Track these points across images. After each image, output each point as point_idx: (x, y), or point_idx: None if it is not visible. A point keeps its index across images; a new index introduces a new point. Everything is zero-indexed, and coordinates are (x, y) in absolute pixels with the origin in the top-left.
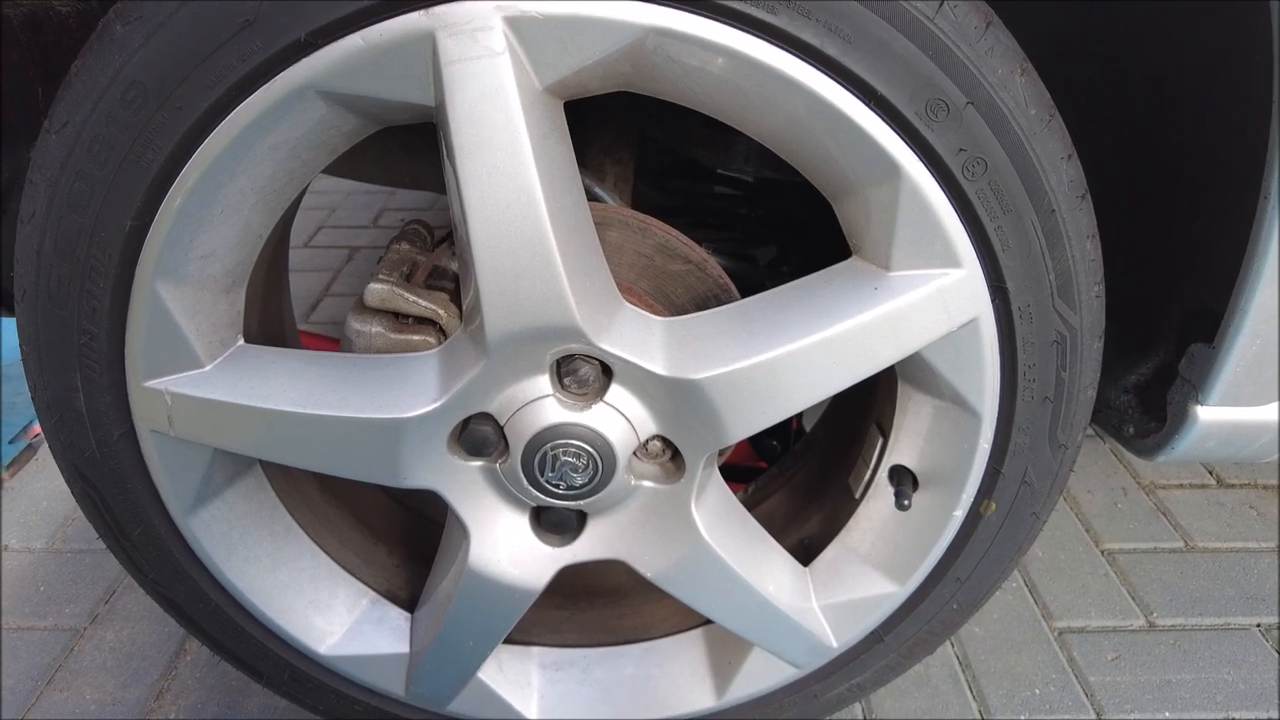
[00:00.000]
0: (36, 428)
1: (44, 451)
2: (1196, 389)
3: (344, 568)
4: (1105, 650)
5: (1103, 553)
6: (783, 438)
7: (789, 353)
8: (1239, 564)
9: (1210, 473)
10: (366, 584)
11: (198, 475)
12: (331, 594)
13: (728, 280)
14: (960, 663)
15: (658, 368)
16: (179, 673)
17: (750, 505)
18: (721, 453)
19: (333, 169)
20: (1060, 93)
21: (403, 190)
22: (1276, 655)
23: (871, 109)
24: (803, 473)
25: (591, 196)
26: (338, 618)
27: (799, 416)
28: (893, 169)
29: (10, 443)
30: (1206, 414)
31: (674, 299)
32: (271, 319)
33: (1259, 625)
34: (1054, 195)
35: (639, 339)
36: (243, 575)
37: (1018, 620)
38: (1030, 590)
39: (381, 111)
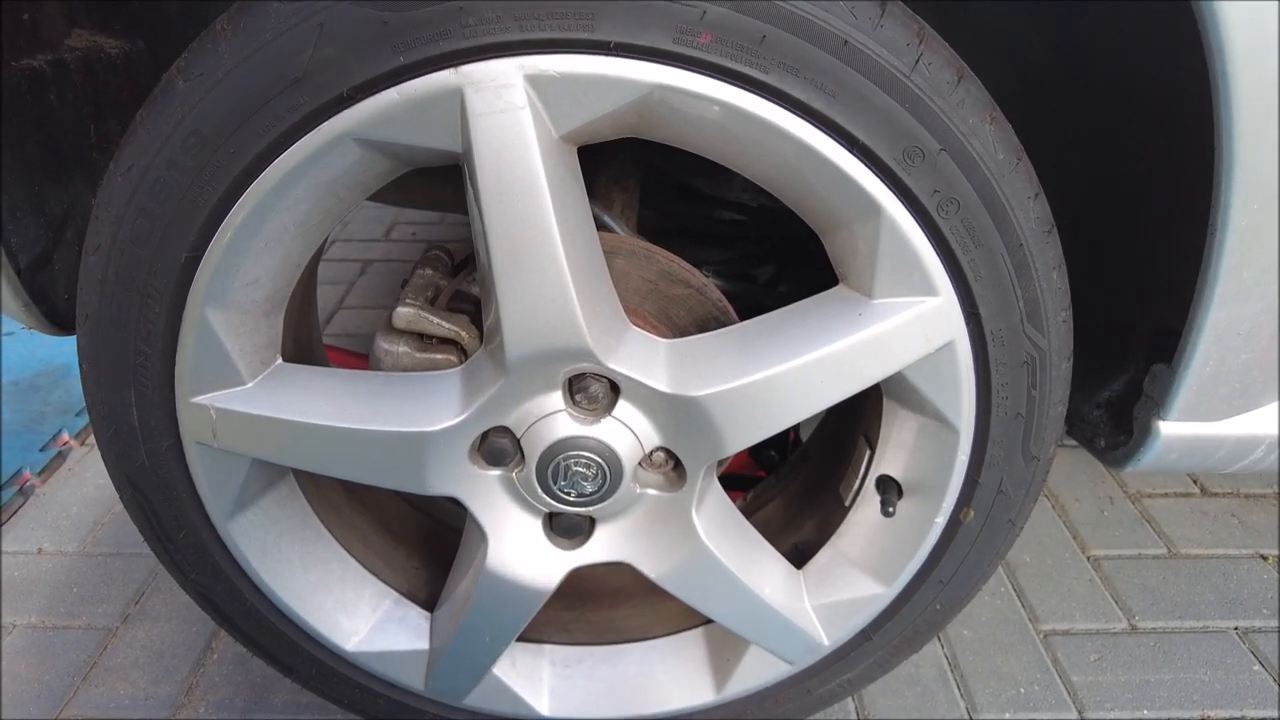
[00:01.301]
0: (65, 436)
1: (73, 458)
2: (1159, 405)
3: (368, 570)
4: (1088, 651)
5: (1089, 559)
6: (781, 449)
7: (781, 372)
8: (1220, 569)
9: (1194, 482)
10: (389, 585)
11: (237, 484)
12: (358, 594)
13: (726, 303)
14: (949, 663)
15: (662, 385)
16: (207, 670)
17: (749, 512)
18: (721, 463)
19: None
20: (1027, 126)
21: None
22: (1253, 656)
23: (854, 155)
24: (797, 482)
25: (600, 224)
26: (363, 617)
27: (796, 429)
28: (874, 208)
29: (41, 450)
30: (1168, 429)
31: (676, 321)
32: (304, 338)
33: (1236, 628)
34: (1022, 230)
35: (644, 359)
36: (276, 576)
37: (1005, 623)
38: (1018, 594)
39: (412, 156)
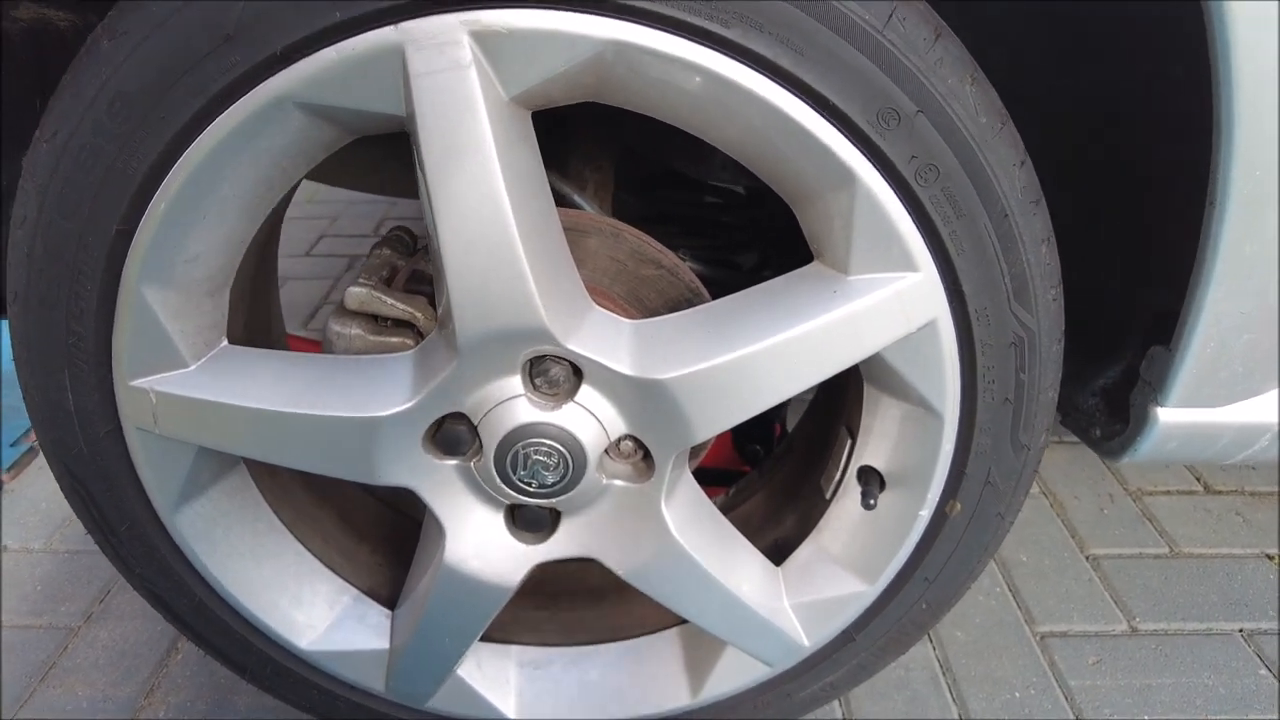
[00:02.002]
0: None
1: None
2: (1156, 391)
3: (327, 565)
4: (1087, 654)
5: (1087, 558)
6: (765, 441)
7: (751, 353)
8: (1223, 569)
9: (1198, 479)
10: (349, 581)
11: (182, 472)
12: (314, 591)
13: (699, 284)
14: (941, 665)
15: (625, 368)
16: (170, 671)
17: (730, 508)
18: (695, 453)
19: (334, 179)
20: (1021, 101)
21: (404, 200)
22: (1259, 659)
23: (825, 118)
24: (780, 475)
25: (568, 202)
26: (319, 614)
27: (782, 420)
28: (848, 176)
29: (11, 445)
30: (1166, 416)
31: (647, 303)
32: (259, 322)
33: (1241, 630)
34: (1007, 200)
35: (608, 340)
36: (226, 570)
37: (1000, 624)
38: (1013, 594)
39: (357, 122)
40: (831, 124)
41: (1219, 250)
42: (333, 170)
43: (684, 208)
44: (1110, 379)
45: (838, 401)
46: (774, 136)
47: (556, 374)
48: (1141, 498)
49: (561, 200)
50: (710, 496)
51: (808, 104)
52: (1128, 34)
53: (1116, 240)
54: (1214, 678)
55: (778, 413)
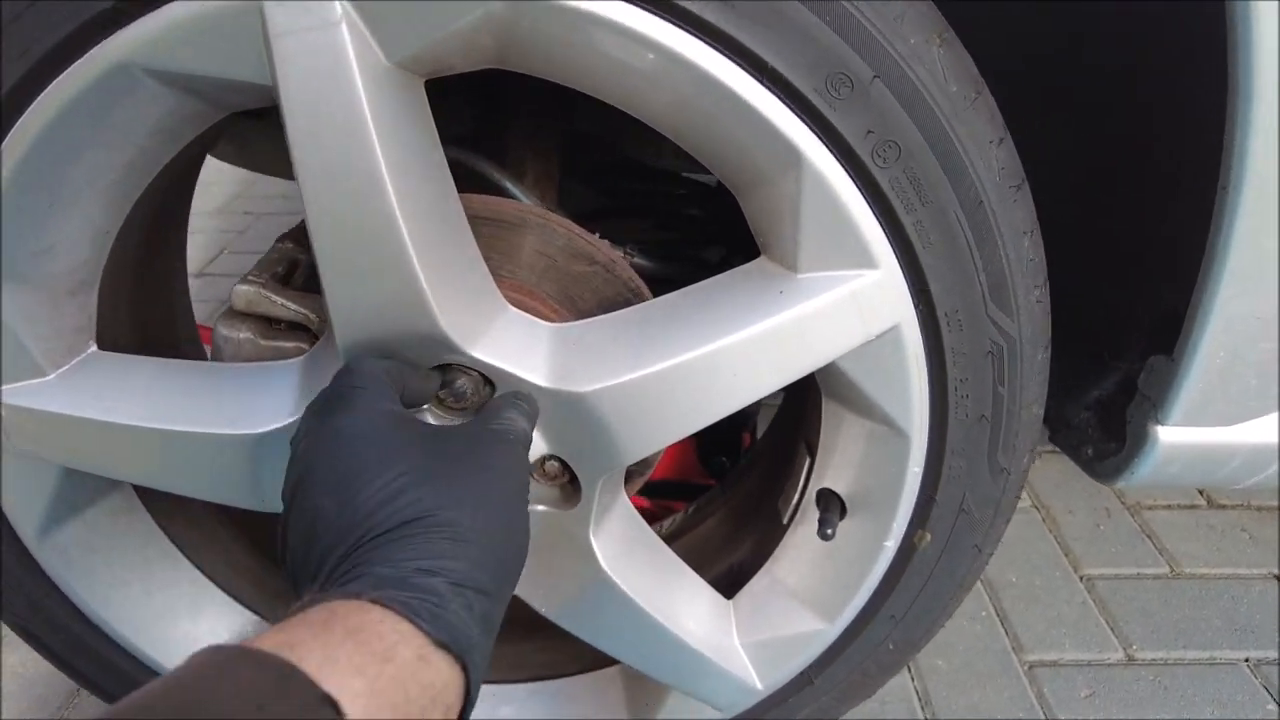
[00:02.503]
0: None
1: None
2: (1156, 407)
3: (232, 596)
4: (1079, 686)
5: (1081, 579)
6: (732, 453)
7: (685, 363)
8: (1228, 592)
9: (1201, 493)
10: (259, 613)
11: (46, 494)
12: (214, 625)
13: (640, 283)
14: (920, 698)
15: (541, 379)
16: (83, 700)
17: (688, 527)
18: (637, 473)
19: (240, 161)
20: (1022, 89)
21: None
22: (1266, 692)
23: (764, 86)
24: (740, 493)
25: (498, 190)
26: None
27: (753, 430)
28: (793, 155)
29: None
30: (1168, 435)
31: (580, 303)
32: (156, 325)
33: (1248, 660)
34: (981, 183)
35: (521, 346)
36: (109, 604)
37: (985, 652)
38: (1000, 619)
39: (219, 93)
40: (772, 92)
41: (1231, 242)
42: (236, 151)
43: (645, 199)
44: (1105, 392)
45: (799, 413)
46: (706, 108)
47: (464, 386)
48: (1140, 513)
49: (493, 189)
50: (671, 513)
51: (742, 68)
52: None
53: (1112, 234)
54: (1218, 712)
55: (746, 422)
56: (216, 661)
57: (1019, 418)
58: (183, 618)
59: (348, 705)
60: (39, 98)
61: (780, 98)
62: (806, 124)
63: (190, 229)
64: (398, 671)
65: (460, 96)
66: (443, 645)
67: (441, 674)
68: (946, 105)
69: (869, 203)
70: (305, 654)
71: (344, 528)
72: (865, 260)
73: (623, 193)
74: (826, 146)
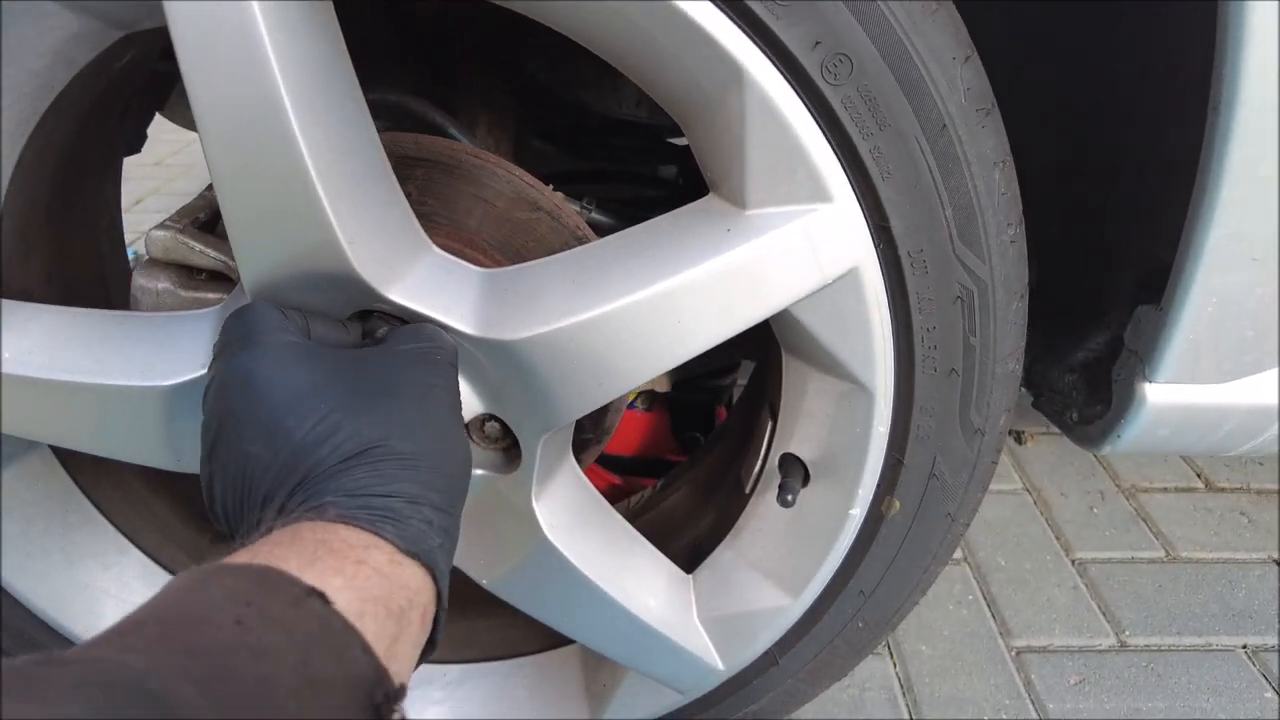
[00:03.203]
0: None
1: None
2: (1144, 362)
3: (164, 565)
4: (1068, 673)
5: (1073, 562)
6: (706, 430)
7: (622, 308)
8: (1225, 576)
9: (1198, 475)
10: None
11: None
12: (143, 596)
13: (588, 231)
14: (901, 684)
15: (467, 326)
16: None
17: (656, 503)
18: (590, 445)
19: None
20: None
21: None
22: (1264, 680)
23: None
24: (706, 465)
25: (441, 133)
26: None
27: (728, 407)
28: (733, 72)
29: None
30: (1157, 394)
31: (524, 253)
32: (79, 278)
33: (1245, 646)
34: (945, 106)
35: (446, 291)
36: (26, 574)
37: (971, 637)
38: (988, 603)
39: (109, 9)
40: None
41: (1224, 173)
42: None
43: (615, 156)
44: (1091, 351)
45: (764, 377)
46: (635, 17)
47: (385, 334)
48: (1135, 495)
49: (433, 132)
50: (641, 489)
51: None
52: None
53: (1103, 175)
54: (1213, 700)
55: (720, 396)
56: (191, 580)
57: (993, 372)
58: (110, 588)
59: (334, 598)
60: None
61: (717, 4)
62: (747, 34)
63: (170, 210)
64: (373, 570)
65: (407, 48)
66: (411, 554)
67: (416, 578)
68: (903, 14)
69: (820, 126)
70: (280, 562)
71: (282, 471)
72: (818, 193)
73: (593, 153)
74: (770, 60)
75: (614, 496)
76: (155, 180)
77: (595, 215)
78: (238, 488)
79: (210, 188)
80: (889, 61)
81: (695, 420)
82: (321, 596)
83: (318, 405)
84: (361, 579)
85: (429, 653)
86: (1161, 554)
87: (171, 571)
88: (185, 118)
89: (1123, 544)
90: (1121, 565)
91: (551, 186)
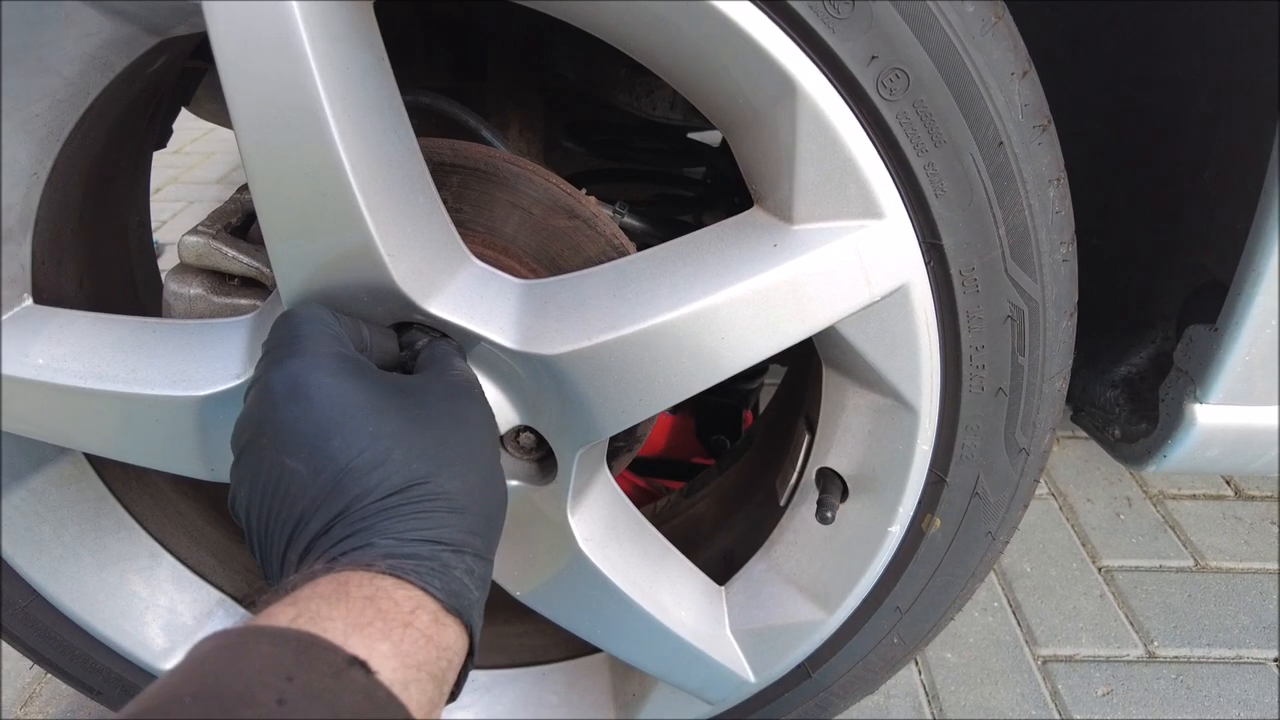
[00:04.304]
0: None
1: None
2: (1195, 383)
3: (193, 569)
4: (1095, 683)
5: (1100, 570)
6: (732, 433)
7: (665, 324)
8: (1256, 587)
9: (1227, 482)
10: (221, 588)
11: None
12: (174, 599)
13: (625, 240)
14: (927, 692)
15: (508, 340)
16: (51, 677)
17: (682, 509)
18: (621, 452)
19: (225, 120)
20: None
21: None
22: None
23: (753, 2)
24: (735, 472)
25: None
26: (180, 627)
27: (755, 407)
28: (786, 86)
29: None
30: (1207, 415)
31: (560, 261)
32: (109, 281)
33: (1276, 659)
34: (1002, 123)
35: (486, 304)
36: (58, 578)
37: (996, 645)
38: (1014, 610)
39: (146, 14)
40: (761, 10)
41: None
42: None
43: (644, 160)
44: (1134, 366)
45: (799, 387)
46: (683, 28)
47: (423, 346)
48: (1163, 502)
49: (470, 137)
50: (668, 493)
51: None
52: None
53: (1151, 188)
54: (1243, 714)
55: (747, 399)
56: (228, 644)
57: (1040, 392)
58: (141, 592)
59: (378, 666)
60: None
61: (771, 17)
62: (801, 48)
63: (190, 199)
64: (420, 634)
65: (437, 47)
66: (453, 610)
67: (456, 638)
68: (962, 27)
69: (874, 142)
70: (326, 624)
71: (321, 494)
72: (869, 209)
73: (613, 151)
74: (824, 75)
75: (638, 498)
76: (175, 169)
77: (628, 219)
78: (268, 499)
79: (241, 190)
80: (946, 77)
81: (721, 423)
82: (364, 666)
83: (366, 428)
84: (408, 644)
85: (448, 703)
86: (1190, 563)
87: (202, 575)
88: (209, 112)
89: (1150, 552)
90: (1149, 574)
91: (585, 191)
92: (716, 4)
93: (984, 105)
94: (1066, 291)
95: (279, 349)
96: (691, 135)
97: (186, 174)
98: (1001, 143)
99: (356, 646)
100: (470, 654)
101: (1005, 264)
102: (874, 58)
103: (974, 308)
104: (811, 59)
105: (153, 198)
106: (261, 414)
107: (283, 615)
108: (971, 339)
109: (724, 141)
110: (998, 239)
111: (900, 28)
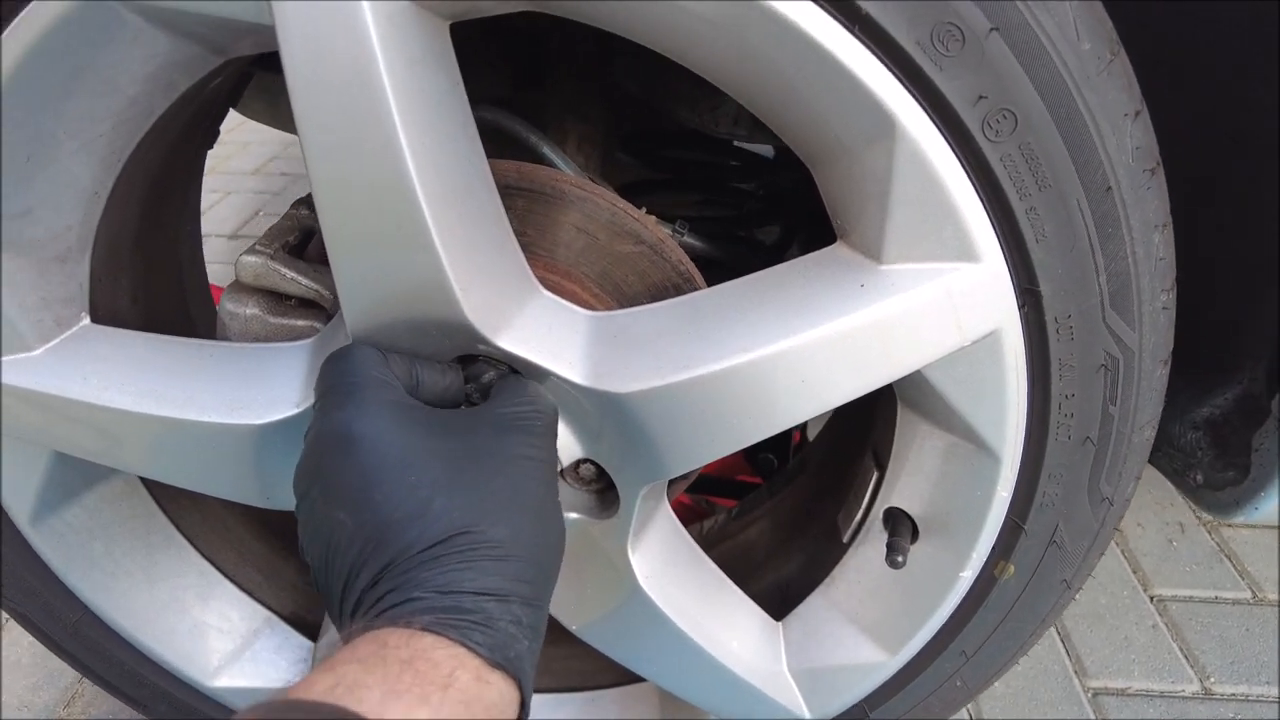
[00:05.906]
0: None
1: None
2: None
3: (240, 586)
4: (1148, 718)
5: (1152, 599)
6: (780, 450)
7: (743, 365)
8: None
9: None
10: (267, 605)
11: (37, 477)
12: (222, 616)
13: (691, 266)
14: None
15: (577, 376)
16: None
17: (730, 534)
18: (677, 481)
19: (271, 119)
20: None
21: None
22: None
23: (855, 35)
24: (789, 500)
25: (544, 162)
26: (228, 644)
27: (801, 426)
28: (885, 124)
29: None
30: None
31: (624, 288)
32: (163, 297)
33: None
34: (1112, 166)
35: (554, 337)
36: (109, 593)
37: (1045, 675)
38: (1062, 640)
39: (215, 36)
40: (863, 44)
41: None
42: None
43: (698, 170)
44: (1218, 408)
45: (864, 418)
46: (778, 60)
47: (490, 379)
48: (1218, 529)
49: (528, 155)
50: (712, 508)
51: (827, 10)
52: None
53: (1235, 218)
54: None
55: None
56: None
57: (1129, 441)
58: (190, 608)
59: None
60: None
61: (874, 52)
62: (905, 85)
63: (226, 189)
64: (460, 695)
65: (495, 55)
66: (498, 665)
67: (500, 692)
68: (1076, 67)
69: (974, 184)
70: (363, 693)
71: (366, 544)
72: (965, 252)
73: (666, 163)
74: (927, 114)
75: (684, 515)
76: (212, 159)
77: (688, 239)
78: (323, 551)
79: (296, 205)
80: (1056, 118)
81: (769, 441)
82: None
83: (407, 478)
84: (448, 707)
85: None
86: (1248, 595)
87: (250, 593)
88: (254, 111)
89: (1205, 582)
90: (1204, 605)
91: (644, 209)
92: (821, 41)
93: (1094, 148)
94: (1164, 340)
95: (328, 395)
96: (743, 145)
97: (223, 164)
98: (1110, 188)
99: (394, 714)
100: (523, 705)
101: (1104, 312)
102: (981, 97)
103: (1067, 355)
104: (915, 97)
105: None
106: (313, 465)
107: (320, 683)
108: (1062, 387)
109: (778, 153)
110: (1098, 287)
111: (1012, 66)
